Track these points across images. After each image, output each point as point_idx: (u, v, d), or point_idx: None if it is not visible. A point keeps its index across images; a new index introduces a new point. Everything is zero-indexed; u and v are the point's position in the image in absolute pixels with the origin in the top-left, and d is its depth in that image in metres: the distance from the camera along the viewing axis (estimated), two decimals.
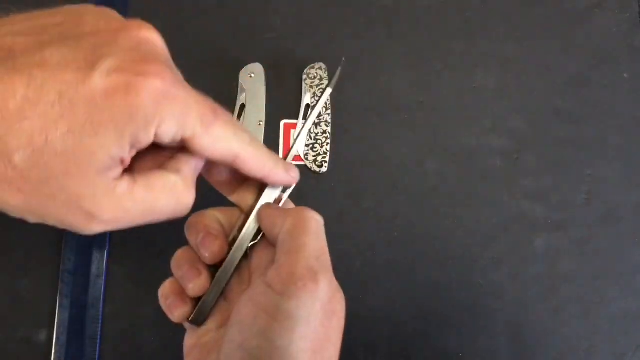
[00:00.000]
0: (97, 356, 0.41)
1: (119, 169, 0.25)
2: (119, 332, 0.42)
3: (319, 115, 0.44)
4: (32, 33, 0.24)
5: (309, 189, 0.44)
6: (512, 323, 0.42)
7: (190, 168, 0.28)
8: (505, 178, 0.44)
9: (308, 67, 0.45)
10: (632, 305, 0.43)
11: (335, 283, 0.28)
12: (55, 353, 0.41)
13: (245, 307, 0.28)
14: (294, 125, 0.45)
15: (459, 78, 0.46)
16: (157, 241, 0.43)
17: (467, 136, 0.45)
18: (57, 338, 0.41)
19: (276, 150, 0.44)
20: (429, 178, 0.44)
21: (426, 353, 0.39)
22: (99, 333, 0.41)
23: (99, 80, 0.23)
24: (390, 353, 0.41)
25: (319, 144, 0.44)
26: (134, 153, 0.26)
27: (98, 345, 0.41)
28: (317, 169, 0.43)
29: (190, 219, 0.32)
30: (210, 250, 0.30)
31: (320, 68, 0.45)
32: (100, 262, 0.42)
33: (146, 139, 0.25)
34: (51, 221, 0.25)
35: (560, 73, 0.46)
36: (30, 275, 0.42)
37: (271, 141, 0.44)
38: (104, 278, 0.42)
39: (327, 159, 0.44)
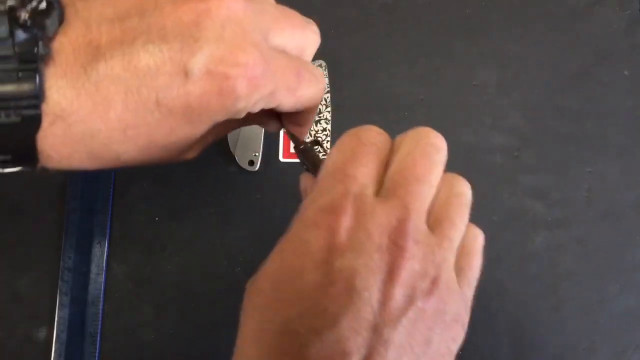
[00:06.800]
0: (97, 354, 0.41)
1: None
2: (119, 329, 0.42)
3: (319, 112, 0.44)
4: (114, 18, 0.23)
5: None
6: (512, 321, 0.42)
7: None
8: (506, 175, 0.44)
9: None
10: (633, 303, 0.43)
11: None
12: (55, 351, 0.41)
13: None
14: None
15: (459, 75, 0.46)
16: (157, 239, 0.43)
17: (467, 133, 0.45)
18: (57, 336, 0.41)
19: (276, 149, 0.44)
20: None
21: None
22: (99, 331, 0.41)
23: (193, 88, 0.24)
24: None
25: None
26: None
27: (98, 343, 0.41)
28: None
29: None
30: None
31: (320, 65, 0.44)
32: (100, 259, 0.42)
33: (235, 118, 0.26)
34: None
35: (561, 70, 0.46)
36: (29, 273, 0.42)
37: (271, 139, 0.44)
38: (104, 276, 0.42)
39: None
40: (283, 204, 0.43)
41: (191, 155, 0.29)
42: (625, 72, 0.46)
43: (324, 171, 0.26)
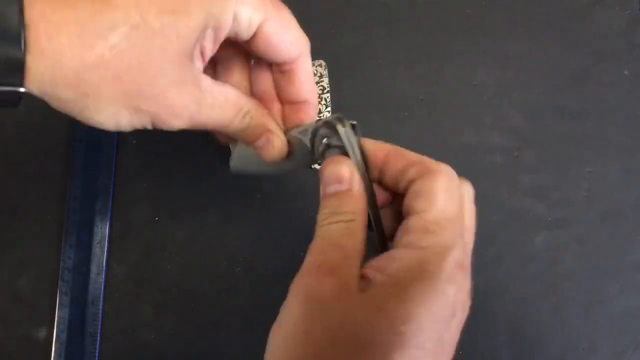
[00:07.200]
0: (97, 354, 0.41)
1: (201, 62, 0.27)
2: (119, 329, 0.42)
3: (319, 112, 0.44)
4: None
5: (310, 186, 0.44)
6: (512, 321, 0.42)
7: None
8: (506, 175, 0.44)
9: None
10: (633, 302, 0.43)
11: None
12: (55, 351, 0.41)
13: None
14: None
15: (459, 75, 0.46)
16: (157, 239, 0.43)
17: (467, 133, 0.45)
18: (57, 336, 0.41)
19: None
20: None
21: None
22: (99, 331, 0.41)
23: None
24: None
25: None
26: (216, 48, 0.27)
27: (98, 343, 0.41)
28: (318, 166, 0.43)
29: None
30: None
31: (320, 65, 0.45)
32: (100, 259, 0.42)
33: (226, 22, 0.26)
34: (144, 114, 0.26)
35: (561, 70, 0.46)
36: (29, 273, 0.42)
37: None
38: (103, 276, 0.42)
39: None
40: (283, 204, 0.43)
41: (185, 97, 0.27)
42: (626, 72, 0.46)
43: (444, 212, 0.26)
